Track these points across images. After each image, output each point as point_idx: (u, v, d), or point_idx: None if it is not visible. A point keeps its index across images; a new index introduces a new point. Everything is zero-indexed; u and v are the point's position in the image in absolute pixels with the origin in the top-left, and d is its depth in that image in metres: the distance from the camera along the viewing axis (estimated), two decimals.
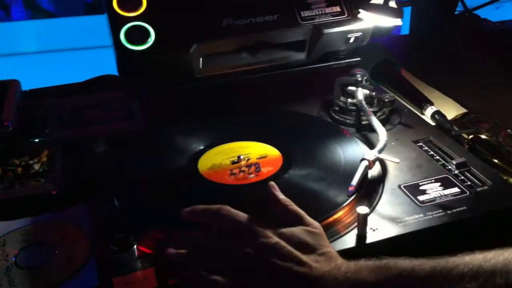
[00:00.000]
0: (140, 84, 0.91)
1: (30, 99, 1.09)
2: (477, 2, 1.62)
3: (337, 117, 1.00)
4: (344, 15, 0.92)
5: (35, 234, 0.73)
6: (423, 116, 1.05)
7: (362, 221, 0.70)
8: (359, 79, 1.00)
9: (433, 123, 1.03)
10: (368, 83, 1.01)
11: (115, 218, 0.75)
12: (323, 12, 0.92)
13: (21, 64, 1.90)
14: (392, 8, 0.87)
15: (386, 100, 0.99)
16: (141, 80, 0.90)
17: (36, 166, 0.87)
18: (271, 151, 0.87)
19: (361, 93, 0.98)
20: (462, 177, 0.83)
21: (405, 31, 1.44)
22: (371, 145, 0.90)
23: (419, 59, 1.27)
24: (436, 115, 1.03)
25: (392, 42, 1.27)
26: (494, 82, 1.13)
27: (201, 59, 0.89)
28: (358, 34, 0.95)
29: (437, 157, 0.88)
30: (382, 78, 1.15)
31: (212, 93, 0.95)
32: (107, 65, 1.07)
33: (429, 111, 1.05)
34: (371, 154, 0.81)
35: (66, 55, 1.96)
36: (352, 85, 0.99)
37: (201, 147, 0.89)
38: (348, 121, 0.98)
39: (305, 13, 0.91)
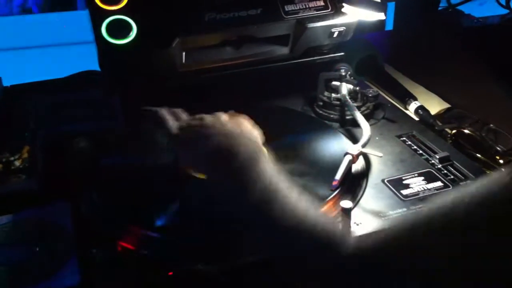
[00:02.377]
0: (122, 79, 0.89)
1: (11, 95, 1.08)
2: None
3: (321, 112, 0.99)
4: (328, 9, 0.92)
5: (16, 231, 0.72)
6: (406, 111, 1.05)
7: (346, 216, 0.70)
8: (343, 74, 1.00)
9: (416, 118, 1.03)
10: (352, 78, 1.01)
11: (96, 215, 0.74)
12: (307, 6, 0.91)
13: (2, 60, 1.88)
14: (375, 2, 0.87)
15: (370, 95, 0.99)
16: (123, 75, 0.89)
17: (17, 163, 0.85)
18: None
19: (345, 88, 0.98)
20: (445, 171, 0.83)
21: (389, 26, 1.44)
22: (354, 140, 0.90)
23: (403, 54, 1.27)
24: (419, 110, 1.03)
25: (376, 38, 1.27)
26: (477, 78, 1.14)
27: (184, 53, 0.88)
28: (342, 29, 0.94)
29: (421, 152, 0.88)
30: (366, 73, 1.15)
31: (194, 88, 0.94)
32: (90, 61, 1.06)
33: (413, 106, 1.05)
34: (355, 149, 0.81)
35: (48, 50, 1.94)
36: (336, 80, 0.99)
37: None
38: (332, 116, 0.98)
39: (289, 7, 0.91)
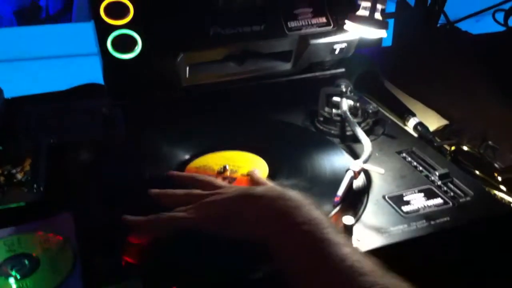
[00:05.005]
0: (126, 93, 0.90)
1: (12, 106, 1.08)
2: (459, 14, 1.65)
3: (322, 127, 1.00)
4: (330, 26, 0.93)
5: (18, 244, 0.72)
6: (405, 127, 1.06)
7: (347, 232, 0.70)
8: (344, 89, 1.01)
9: (415, 134, 1.04)
10: (352, 93, 1.02)
11: (99, 227, 0.74)
12: (310, 22, 0.93)
13: (3, 71, 1.88)
14: (377, 20, 0.88)
15: (370, 111, 1.00)
16: (127, 89, 0.89)
17: (19, 175, 0.86)
18: (257, 162, 0.87)
19: (345, 103, 0.99)
20: (445, 188, 0.84)
21: (388, 42, 1.46)
22: (355, 156, 0.91)
23: (402, 70, 1.29)
24: (418, 127, 1.05)
25: (376, 53, 1.28)
26: (475, 94, 1.15)
27: (187, 68, 0.89)
28: (343, 45, 0.96)
29: (421, 168, 0.89)
30: (366, 89, 1.16)
31: (198, 102, 0.94)
32: (92, 73, 1.07)
33: (412, 122, 1.06)
34: (356, 165, 0.82)
35: (49, 62, 1.94)
36: (336, 95, 1.00)
37: (187, 156, 0.88)
38: (332, 131, 0.99)
39: (292, 24, 0.92)
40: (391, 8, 1.38)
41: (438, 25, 1.43)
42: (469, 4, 2.26)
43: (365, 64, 1.18)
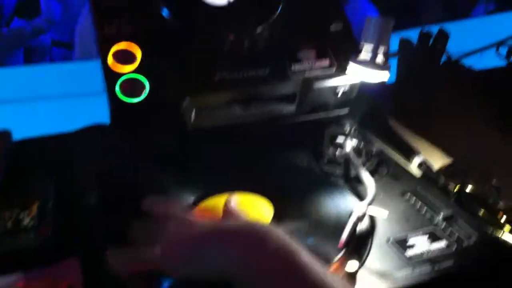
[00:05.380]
0: (133, 136, 0.92)
1: (20, 149, 1.09)
2: (463, 48, 1.67)
3: (326, 168, 1.01)
4: (333, 68, 0.95)
5: None
6: (410, 166, 1.07)
7: (351, 278, 0.71)
8: (348, 130, 1.03)
9: (420, 173, 1.04)
10: (356, 133, 1.03)
11: (107, 272, 0.75)
12: (313, 65, 0.94)
13: (12, 112, 1.90)
14: (379, 63, 0.90)
15: (374, 151, 1.01)
16: (134, 132, 0.91)
17: (27, 220, 0.87)
18: (262, 204, 0.88)
19: (349, 144, 1.00)
20: (449, 231, 0.84)
21: (392, 79, 1.47)
22: (360, 197, 0.91)
23: (406, 107, 1.30)
24: (422, 165, 1.05)
25: (380, 91, 1.29)
26: (479, 132, 1.16)
27: (194, 111, 0.90)
28: (346, 87, 0.97)
29: (425, 210, 0.90)
30: (370, 127, 1.17)
31: (203, 145, 0.96)
32: (98, 113, 1.08)
33: (416, 161, 1.07)
34: (361, 208, 0.82)
35: (55, 102, 1.96)
36: (341, 136, 1.02)
37: (191, 199, 0.89)
38: (337, 172, 1.00)
39: (296, 67, 0.93)
40: (394, 45, 1.40)
41: (442, 61, 1.44)
42: (473, 39, 2.28)
43: (369, 102, 1.19)
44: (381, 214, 0.83)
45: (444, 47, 1.23)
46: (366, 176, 0.91)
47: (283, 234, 0.66)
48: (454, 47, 1.63)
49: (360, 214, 0.82)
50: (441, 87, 1.32)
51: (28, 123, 1.48)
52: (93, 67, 0.99)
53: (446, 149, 1.14)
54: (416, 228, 0.85)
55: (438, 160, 1.11)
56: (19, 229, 0.85)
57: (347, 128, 1.03)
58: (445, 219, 0.86)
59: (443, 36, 1.21)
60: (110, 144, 1.03)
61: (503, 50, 1.50)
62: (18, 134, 1.15)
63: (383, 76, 0.91)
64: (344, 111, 1.03)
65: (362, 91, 1.08)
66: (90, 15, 0.94)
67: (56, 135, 1.17)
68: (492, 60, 1.58)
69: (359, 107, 1.14)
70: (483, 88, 1.34)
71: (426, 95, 1.33)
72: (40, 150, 1.08)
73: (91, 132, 1.17)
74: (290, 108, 0.97)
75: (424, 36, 1.22)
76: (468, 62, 1.51)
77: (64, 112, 1.79)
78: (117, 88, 0.85)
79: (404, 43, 1.25)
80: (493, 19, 2.59)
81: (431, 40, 1.22)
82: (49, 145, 1.11)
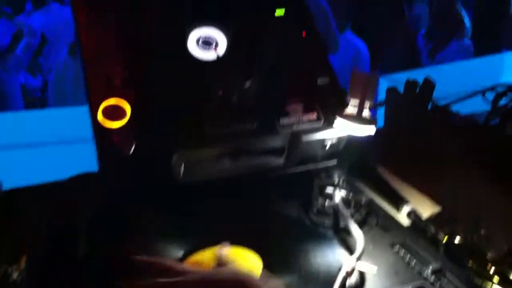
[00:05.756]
0: (122, 189, 0.92)
1: (8, 199, 1.09)
2: (449, 91, 1.69)
3: (315, 218, 1.01)
4: (321, 122, 0.96)
5: None
6: (399, 215, 1.07)
7: None
8: (337, 181, 1.03)
9: (409, 222, 1.05)
10: (345, 183, 1.04)
11: None
12: (301, 119, 0.95)
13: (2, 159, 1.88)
14: (365, 118, 0.91)
15: (363, 202, 1.02)
16: (123, 186, 0.91)
17: (15, 275, 0.86)
18: (251, 257, 0.88)
19: (338, 195, 1.01)
20: (439, 284, 0.84)
21: (380, 123, 1.48)
22: (349, 249, 0.91)
23: (394, 154, 1.31)
24: (411, 214, 1.06)
25: (368, 138, 1.31)
26: (467, 179, 1.17)
27: (183, 165, 0.91)
28: (334, 140, 0.98)
29: (414, 262, 0.90)
30: (359, 176, 1.18)
31: (192, 198, 0.96)
32: (89, 160, 1.08)
33: (405, 210, 1.07)
34: (350, 263, 0.83)
35: (45, 149, 1.95)
36: (330, 187, 1.02)
37: (181, 252, 0.89)
38: (326, 223, 1.00)
39: (284, 121, 0.95)
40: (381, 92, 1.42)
41: (428, 108, 1.46)
42: (459, 83, 2.32)
43: (357, 151, 1.20)
44: (370, 269, 0.83)
45: (430, 95, 1.25)
46: (355, 229, 0.91)
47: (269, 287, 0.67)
48: (440, 91, 1.65)
49: (349, 269, 0.82)
50: (428, 134, 1.34)
51: (17, 171, 1.48)
52: (80, 114, 1.00)
53: (434, 197, 1.15)
54: (405, 283, 0.85)
55: (427, 209, 1.12)
56: (7, 284, 0.84)
57: (336, 178, 1.04)
58: (434, 272, 0.87)
59: (429, 85, 1.23)
60: (99, 195, 1.03)
61: (490, 96, 1.53)
62: (8, 183, 1.15)
63: (369, 130, 0.92)
64: (333, 162, 1.04)
65: (351, 140, 1.09)
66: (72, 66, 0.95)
67: (45, 184, 1.16)
68: (478, 104, 1.60)
69: (347, 157, 1.15)
70: (470, 134, 1.35)
71: (413, 142, 1.34)
72: (30, 200, 1.08)
73: (80, 181, 1.17)
74: (279, 160, 0.98)
75: (410, 85, 1.24)
76: (455, 107, 1.53)
77: (54, 159, 1.78)
78: (106, 144, 0.86)
79: (390, 92, 1.27)
80: (476, 63, 2.64)
81: (417, 89, 1.24)
82: (39, 194, 1.10)
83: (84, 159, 1.06)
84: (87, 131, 0.93)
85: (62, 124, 1.90)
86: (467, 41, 3.72)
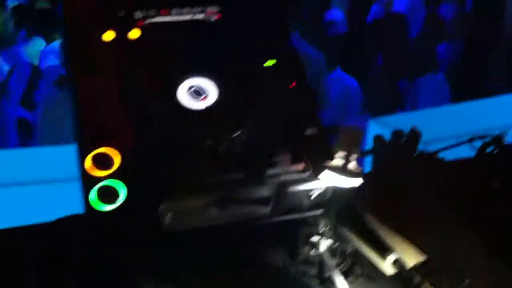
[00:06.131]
0: (109, 241, 0.92)
1: None
2: (436, 134, 1.71)
3: (301, 267, 1.02)
4: (308, 173, 0.98)
5: None
6: (384, 264, 1.08)
7: None
8: (322, 229, 1.04)
9: (394, 271, 1.06)
10: (331, 232, 1.05)
11: None
12: (288, 170, 0.97)
13: None
14: (351, 170, 0.93)
15: (349, 251, 1.03)
16: (110, 237, 0.92)
17: None
18: None
19: (324, 244, 1.02)
20: None
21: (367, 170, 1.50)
22: None
23: (381, 202, 1.32)
24: (397, 263, 1.07)
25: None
26: (452, 229, 1.18)
27: (170, 215, 0.92)
28: (320, 191, 1.00)
29: None
30: (346, 222, 1.19)
31: (179, 248, 0.97)
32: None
33: (390, 258, 1.08)
34: None
35: (33, 188, 1.94)
36: (315, 235, 1.03)
37: None
38: (312, 272, 1.01)
39: (271, 171, 0.96)
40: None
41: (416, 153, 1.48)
42: (446, 127, 2.36)
43: (344, 198, 1.22)
44: None
45: (416, 145, 1.27)
46: (339, 281, 0.92)
47: None
48: (429, 133, 1.67)
49: None
50: (414, 182, 1.35)
51: (5, 211, 1.48)
52: (67, 152, 1.01)
53: (420, 246, 1.16)
54: None
55: (412, 258, 1.13)
56: None
57: (322, 227, 1.05)
58: None
59: (415, 135, 1.25)
60: (85, 240, 1.03)
61: (478, 143, 1.55)
62: None
63: (355, 182, 0.93)
64: (319, 211, 1.05)
65: (337, 189, 1.10)
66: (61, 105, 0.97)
67: (33, 225, 1.16)
68: (464, 150, 1.63)
69: (334, 205, 1.16)
70: (456, 184, 1.37)
71: (400, 190, 1.36)
72: (17, 243, 1.07)
73: (69, 222, 1.17)
74: (266, 209, 0.99)
75: (396, 135, 1.26)
76: (441, 153, 1.55)
77: (40, 199, 1.78)
78: (92, 194, 0.87)
79: (377, 140, 1.29)
80: (466, 106, 2.69)
81: (403, 139, 1.26)
82: (28, 236, 1.10)
83: (71, 199, 1.06)
84: (74, 170, 0.94)
85: (47, 163, 1.90)
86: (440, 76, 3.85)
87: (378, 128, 2.32)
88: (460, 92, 3.56)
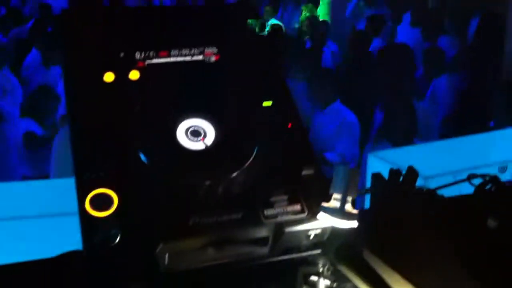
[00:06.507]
0: (106, 279, 0.92)
1: None
2: (437, 170, 1.72)
3: None
4: (305, 213, 0.98)
5: None
6: None
7: None
8: (321, 269, 1.04)
9: None
10: (329, 272, 1.05)
11: None
12: (285, 210, 0.98)
13: None
14: (347, 212, 0.94)
15: None
16: (107, 276, 0.92)
17: None
18: None
19: (322, 283, 1.02)
20: None
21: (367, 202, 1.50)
22: None
23: (381, 240, 1.32)
24: None
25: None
26: (452, 268, 1.17)
27: (167, 256, 0.92)
28: (318, 231, 1.00)
29: None
30: (345, 262, 1.19)
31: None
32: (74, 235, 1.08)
33: None
34: None
35: (34, 222, 1.94)
36: (314, 275, 1.03)
37: None
38: None
39: (268, 212, 0.97)
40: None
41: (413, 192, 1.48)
42: (445, 161, 2.37)
43: (342, 235, 1.22)
44: None
45: (414, 184, 1.28)
46: None
47: None
48: (426, 169, 1.67)
49: None
50: (412, 221, 1.35)
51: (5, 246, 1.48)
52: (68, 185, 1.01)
53: (418, 284, 1.16)
54: None
55: None
56: None
57: (321, 266, 1.05)
58: None
59: (412, 174, 1.26)
60: (85, 279, 1.03)
61: (476, 181, 1.55)
62: None
63: (351, 224, 0.94)
64: (317, 251, 1.05)
65: (335, 229, 1.10)
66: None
67: (33, 261, 1.16)
68: (464, 187, 1.63)
69: (332, 245, 1.16)
70: (454, 219, 1.37)
71: (399, 228, 1.35)
72: (16, 279, 1.07)
73: (68, 259, 1.17)
74: (263, 250, 0.99)
75: (393, 174, 1.27)
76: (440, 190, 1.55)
77: (40, 234, 1.78)
78: (92, 235, 0.87)
79: (375, 178, 1.30)
80: (465, 140, 2.71)
81: (401, 178, 1.27)
82: (28, 273, 1.10)
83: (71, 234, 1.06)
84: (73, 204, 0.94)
85: (47, 196, 1.90)
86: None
87: (377, 162, 2.34)
88: (459, 126, 3.58)
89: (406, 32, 6.65)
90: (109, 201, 0.91)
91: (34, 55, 5.19)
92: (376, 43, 5.89)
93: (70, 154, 0.97)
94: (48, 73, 4.90)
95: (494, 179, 1.27)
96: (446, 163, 2.19)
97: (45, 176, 3.37)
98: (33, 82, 4.81)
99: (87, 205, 0.90)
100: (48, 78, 4.73)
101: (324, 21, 7.19)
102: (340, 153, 3.71)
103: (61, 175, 2.79)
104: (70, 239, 1.17)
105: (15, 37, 6.24)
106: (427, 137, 3.79)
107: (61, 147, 2.91)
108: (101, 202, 0.91)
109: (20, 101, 4.36)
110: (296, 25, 7.41)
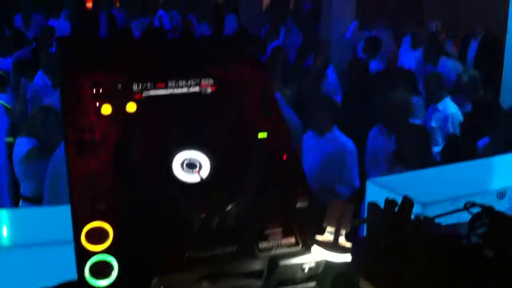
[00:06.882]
0: None
1: None
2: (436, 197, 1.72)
3: None
4: (299, 246, 0.99)
5: None
6: None
7: None
8: None
9: None
10: None
11: None
12: (279, 243, 0.98)
13: None
14: (341, 246, 0.94)
15: None
16: None
17: None
18: None
19: None
20: None
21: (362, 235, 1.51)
22: None
23: (377, 269, 1.32)
24: None
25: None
26: None
27: None
28: (312, 264, 1.00)
29: None
30: None
31: None
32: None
33: None
34: None
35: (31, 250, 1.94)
36: None
37: None
38: None
39: (263, 245, 0.97)
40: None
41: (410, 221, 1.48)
42: (442, 188, 2.37)
43: (337, 267, 1.22)
44: None
45: (410, 213, 1.28)
46: None
47: None
48: (423, 196, 1.68)
49: None
50: (408, 249, 1.35)
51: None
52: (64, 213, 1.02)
53: None
54: None
55: None
56: None
57: None
58: None
59: (408, 204, 1.26)
60: None
61: (474, 210, 1.56)
62: None
63: (345, 258, 0.94)
64: (311, 284, 1.06)
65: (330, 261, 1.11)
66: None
67: None
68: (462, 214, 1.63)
69: (327, 276, 1.16)
70: (450, 249, 1.37)
71: (395, 257, 1.36)
72: None
73: None
74: (258, 283, 0.99)
75: (389, 204, 1.27)
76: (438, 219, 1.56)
77: (41, 262, 1.78)
78: (86, 270, 0.88)
79: (371, 207, 1.30)
80: (459, 168, 2.71)
81: (397, 208, 1.27)
82: None
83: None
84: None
85: (47, 224, 1.90)
86: None
87: (375, 188, 2.34)
88: (457, 152, 3.58)
89: (406, 55, 6.71)
90: (105, 234, 0.92)
91: (40, 78, 5.23)
92: (374, 65, 5.94)
93: (65, 178, 0.98)
94: (56, 94, 4.92)
95: (489, 210, 1.27)
96: (444, 190, 2.19)
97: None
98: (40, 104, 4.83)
99: (83, 239, 0.91)
100: (55, 100, 4.74)
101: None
102: (347, 183, 3.72)
103: (56, 194, 2.79)
104: (70, 268, 1.18)
105: (18, 59, 6.30)
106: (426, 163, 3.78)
107: (56, 170, 2.91)
108: (97, 236, 0.92)
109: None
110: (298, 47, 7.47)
